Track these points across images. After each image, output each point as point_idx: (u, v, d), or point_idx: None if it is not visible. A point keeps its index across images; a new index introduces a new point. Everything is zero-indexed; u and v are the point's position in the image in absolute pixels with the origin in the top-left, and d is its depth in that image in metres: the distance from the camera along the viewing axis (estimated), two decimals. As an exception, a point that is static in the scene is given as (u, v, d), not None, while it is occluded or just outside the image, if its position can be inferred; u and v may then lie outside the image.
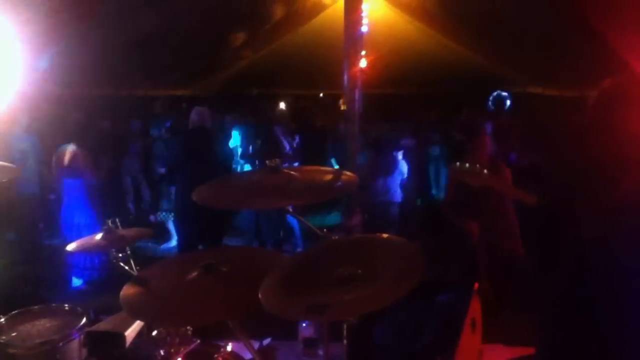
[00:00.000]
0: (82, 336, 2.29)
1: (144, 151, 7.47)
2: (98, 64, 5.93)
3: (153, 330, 2.23)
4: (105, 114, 7.55)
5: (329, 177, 2.19)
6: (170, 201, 6.45)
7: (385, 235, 1.84)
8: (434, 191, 7.87)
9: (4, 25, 3.51)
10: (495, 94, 9.16)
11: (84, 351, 2.31)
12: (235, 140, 7.28)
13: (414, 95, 9.63)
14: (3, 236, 5.95)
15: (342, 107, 4.95)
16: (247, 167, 7.04)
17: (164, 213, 6.82)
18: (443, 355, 2.12)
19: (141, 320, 2.29)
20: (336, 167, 6.36)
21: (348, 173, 2.22)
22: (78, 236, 2.86)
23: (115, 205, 6.45)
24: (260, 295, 1.62)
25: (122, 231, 2.70)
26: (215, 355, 2.26)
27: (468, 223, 3.72)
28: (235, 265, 1.94)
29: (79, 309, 2.40)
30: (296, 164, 5.93)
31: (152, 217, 7.13)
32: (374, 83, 6.33)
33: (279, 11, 6.87)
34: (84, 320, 2.31)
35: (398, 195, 6.08)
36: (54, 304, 2.45)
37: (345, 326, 1.99)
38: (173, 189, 5.96)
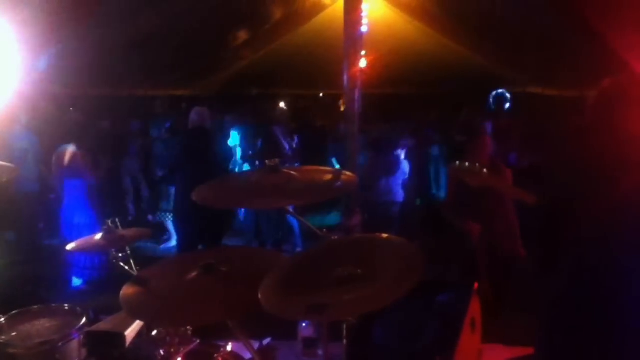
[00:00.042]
0: (81, 336, 2.29)
1: (143, 151, 7.47)
2: (98, 64, 5.93)
3: (153, 330, 2.23)
4: (105, 114, 7.55)
5: (329, 177, 2.20)
6: (169, 201, 6.45)
7: (385, 235, 1.84)
8: (433, 191, 7.87)
9: (3, 25, 3.51)
10: (495, 92, 9.16)
11: (84, 351, 2.31)
12: (234, 139, 7.27)
13: (414, 95, 9.64)
14: (3, 236, 5.95)
15: (342, 108, 4.95)
16: (246, 167, 7.04)
17: (163, 213, 6.83)
18: (443, 355, 2.11)
19: (141, 320, 2.29)
20: (337, 167, 6.37)
21: (348, 173, 2.22)
22: (78, 236, 2.86)
23: (115, 206, 6.45)
24: (259, 295, 1.62)
25: (121, 231, 2.70)
26: (215, 355, 2.26)
27: (469, 224, 3.72)
28: (235, 266, 1.94)
29: (78, 309, 2.40)
30: (296, 165, 5.92)
31: (150, 217, 7.13)
32: (374, 83, 6.34)
33: (278, 11, 6.87)
34: (84, 320, 2.31)
35: (400, 195, 6.07)
36: (53, 304, 2.45)
37: (344, 326, 1.99)
38: (173, 189, 5.96)
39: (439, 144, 7.84)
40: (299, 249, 6.31)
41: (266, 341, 2.86)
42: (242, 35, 7.37)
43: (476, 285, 2.61)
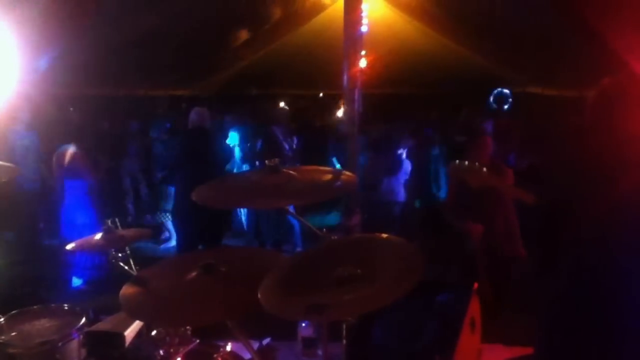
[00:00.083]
0: (81, 336, 2.29)
1: (143, 151, 7.48)
2: (98, 64, 5.94)
3: (152, 330, 2.23)
4: (104, 114, 7.56)
5: (329, 177, 2.20)
6: (169, 201, 6.44)
7: (384, 235, 1.84)
8: (433, 191, 7.86)
9: (3, 25, 3.51)
10: (497, 91, 9.16)
11: (83, 351, 2.31)
12: (232, 139, 7.27)
13: (414, 95, 9.63)
14: (3, 236, 5.95)
15: (342, 108, 4.95)
16: (245, 168, 7.04)
17: (163, 213, 6.82)
18: (442, 355, 2.12)
19: (140, 320, 2.29)
20: (338, 166, 6.37)
21: (347, 173, 2.22)
22: (78, 236, 2.86)
23: (115, 206, 6.45)
24: (259, 295, 1.62)
25: (121, 231, 2.70)
26: (215, 355, 2.26)
27: (469, 224, 3.71)
28: (235, 266, 1.94)
29: (78, 308, 2.40)
30: (296, 165, 5.92)
31: (149, 217, 7.13)
32: (374, 83, 6.34)
33: (278, 11, 6.88)
34: (84, 320, 2.32)
35: (402, 195, 6.07)
36: (53, 304, 2.46)
37: (344, 326, 1.99)
38: (172, 189, 5.96)
39: (438, 144, 7.84)
40: (298, 249, 6.30)
41: (266, 341, 2.86)
42: (242, 35, 7.37)
43: (476, 285, 2.61)
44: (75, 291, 5.38)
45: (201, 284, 1.84)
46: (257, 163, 6.62)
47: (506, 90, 9.14)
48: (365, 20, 5.19)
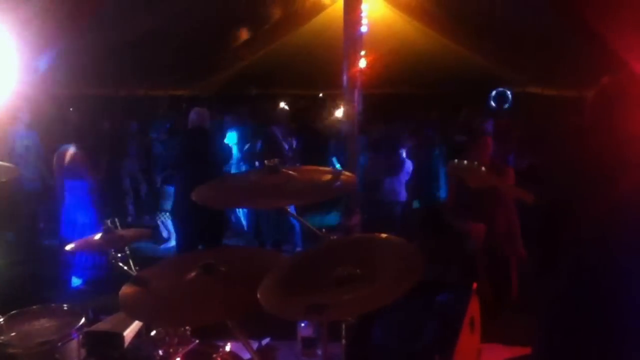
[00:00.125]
0: (81, 336, 2.30)
1: (143, 151, 7.48)
2: (97, 65, 5.94)
3: (152, 330, 2.23)
4: (104, 114, 7.55)
5: (328, 177, 2.20)
6: (169, 201, 6.44)
7: (384, 235, 1.84)
8: (433, 191, 7.86)
9: (3, 25, 3.51)
10: (497, 90, 9.17)
11: (83, 351, 2.31)
12: (231, 139, 7.27)
13: (414, 95, 9.64)
14: (3, 236, 5.95)
15: (342, 108, 4.96)
16: (244, 167, 7.04)
17: (163, 213, 6.82)
18: (442, 355, 2.12)
19: (140, 320, 2.29)
20: (338, 166, 6.37)
21: (347, 173, 2.22)
22: (79, 236, 2.87)
23: (115, 206, 6.45)
24: (259, 295, 1.62)
25: (121, 231, 2.70)
26: (214, 355, 2.26)
27: (470, 225, 3.70)
28: (234, 266, 1.94)
29: (78, 309, 2.41)
30: (296, 165, 5.91)
31: (148, 218, 7.13)
32: (374, 83, 6.34)
33: (278, 11, 6.88)
34: (83, 320, 2.32)
35: (404, 195, 6.06)
36: (53, 304, 2.46)
37: (344, 326, 1.99)
38: (172, 189, 5.96)
39: (439, 144, 7.84)
40: (298, 249, 6.30)
41: (265, 341, 2.86)
42: (242, 35, 7.37)
43: (475, 285, 2.61)
44: (74, 291, 5.37)
45: (201, 284, 1.84)
46: (256, 163, 6.62)
47: (506, 90, 9.15)
48: (365, 20, 5.19)
